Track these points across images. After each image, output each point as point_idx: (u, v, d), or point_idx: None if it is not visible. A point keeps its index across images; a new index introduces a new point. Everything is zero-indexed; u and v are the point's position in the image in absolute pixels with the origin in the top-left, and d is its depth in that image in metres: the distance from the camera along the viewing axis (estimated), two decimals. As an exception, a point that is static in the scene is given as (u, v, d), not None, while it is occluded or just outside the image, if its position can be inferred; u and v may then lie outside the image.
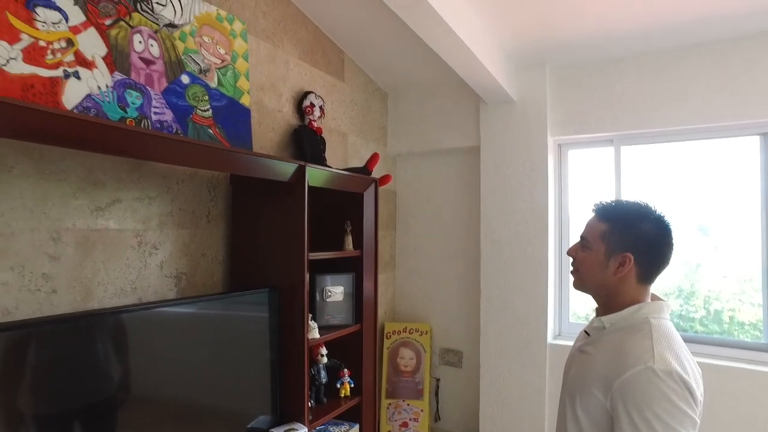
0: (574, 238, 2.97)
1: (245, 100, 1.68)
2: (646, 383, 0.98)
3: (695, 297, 2.71)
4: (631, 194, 2.70)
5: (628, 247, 1.13)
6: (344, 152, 2.91)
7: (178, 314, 1.64)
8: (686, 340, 1.10)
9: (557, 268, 2.88)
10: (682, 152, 2.66)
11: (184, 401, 1.65)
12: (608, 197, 1.25)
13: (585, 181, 2.90)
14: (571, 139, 2.83)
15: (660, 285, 2.78)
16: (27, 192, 1.41)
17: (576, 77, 2.74)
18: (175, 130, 1.44)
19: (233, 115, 1.63)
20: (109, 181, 1.61)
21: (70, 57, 1.19)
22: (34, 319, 1.37)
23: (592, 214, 1.22)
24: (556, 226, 2.87)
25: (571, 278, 1.26)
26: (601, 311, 1.21)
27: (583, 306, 2.93)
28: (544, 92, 2.79)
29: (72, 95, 1.18)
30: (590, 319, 1.32)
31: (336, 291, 2.19)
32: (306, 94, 2.48)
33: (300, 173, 1.84)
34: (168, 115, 1.41)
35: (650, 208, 1.18)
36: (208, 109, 1.54)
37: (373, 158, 2.40)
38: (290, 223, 1.86)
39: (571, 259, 1.25)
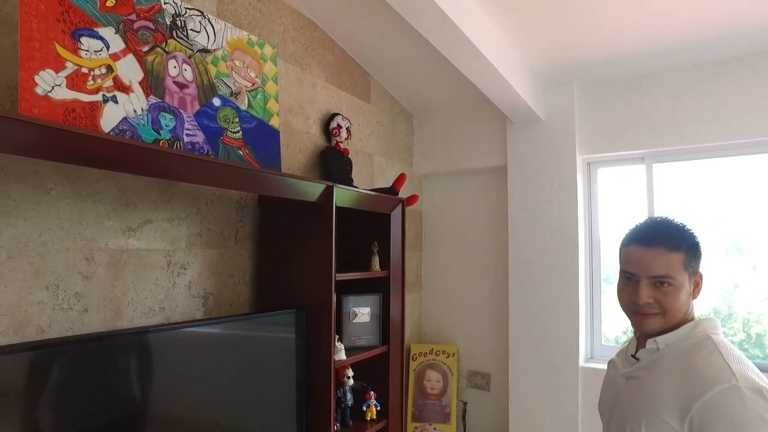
0: (607, 258, 2.94)
1: (274, 122, 1.71)
2: (735, 403, 0.90)
3: (733, 319, 2.61)
4: (663, 212, 2.63)
5: (698, 266, 1.11)
6: (371, 173, 2.92)
7: (205, 334, 1.65)
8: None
9: (588, 288, 2.81)
10: (717, 169, 2.59)
11: (209, 422, 1.64)
12: (638, 221, 1.18)
13: (616, 200, 2.84)
14: (600, 157, 2.78)
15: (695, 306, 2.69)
16: (64, 213, 1.44)
17: (604, 95, 2.71)
18: (206, 151, 1.46)
19: (263, 137, 1.65)
20: (141, 202, 1.64)
21: (109, 82, 1.23)
22: (67, 337, 1.38)
23: (650, 248, 1.08)
24: (586, 246, 2.81)
25: (644, 321, 1.11)
26: (654, 337, 1.12)
27: (614, 328, 2.85)
28: (572, 110, 2.76)
29: (109, 118, 1.22)
30: (628, 342, 1.26)
31: (363, 312, 2.17)
32: (333, 115, 2.51)
33: (328, 194, 1.84)
34: (200, 137, 1.44)
35: (676, 220, 1.14)
36: (238, 131, 1.57)
37: (400, 179, 2.40)
38: (318, 244, 1.86)
39: (640, 304, 1.10)
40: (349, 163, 2.51)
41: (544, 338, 2.75)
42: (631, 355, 1.16)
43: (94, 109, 1.19)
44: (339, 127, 2.50)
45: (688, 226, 1.12)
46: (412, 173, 3.37)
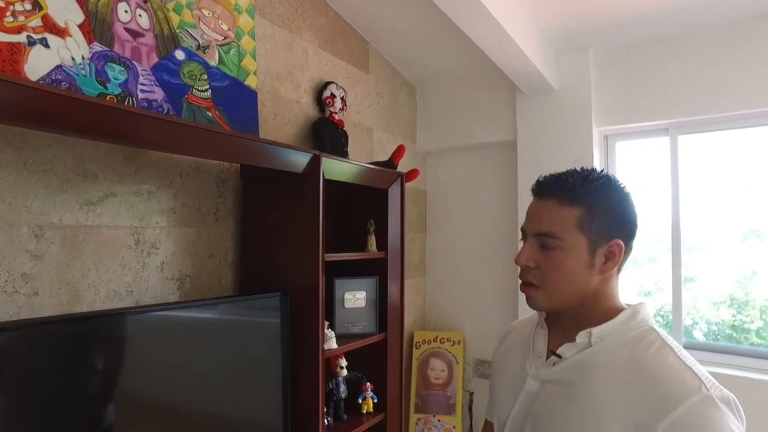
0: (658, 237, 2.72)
1: (251, 82, 1.51)
2: (711, 421, 0.71)
3: (750, 307, 2.40)
4: (689, 188, 2.41)
5: (614, 232, 0.85)
6: (370, 148, 2.71)
7: (180, 319, 1.47)
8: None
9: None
10: (750, 140, 2.34)
11: (186, 414, 1.47)
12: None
13: (635, 176, 2.61)
14: (619, 129, 2.55)
15: (708, 293, 2.46)
16: (6, 183, 1.26)
17: (624, 60, 2.47)
18: (166, 110, 1.27)
19: (237, 97, 1.46)
20: (102, 173, 1.46)
21: (36, 22, 1.04)
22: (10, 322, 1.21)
23: (543, 199, 0.88)
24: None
25: (526, 295, 0.90)
26: (571, 326, 0.88)
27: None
28: (587, 78, 2.53)
29: (37, 65, 1.03)
30: (532, 326, 0.99)
31: (358, 296, 1.99)
32: (326, 84, 2.30)
33: (315, 164, 1.65)
34: (158, 94, 1.25)
35: (600, 171, 0.90)
36: (206, 89, 1.37)
37: (399, 151, 2.19)
38: (304, 221, 1.67)
39: (518, 270, 0.91)
40: (345, 135, 2.31)
41: (557, 325, 2.55)
42: (551, 351, 0.90)
43: (15, 51, 1.00)
44: (333, 96, 2.29)
45: (606, 180, 0.87)
46: (416, 150, 3.16)
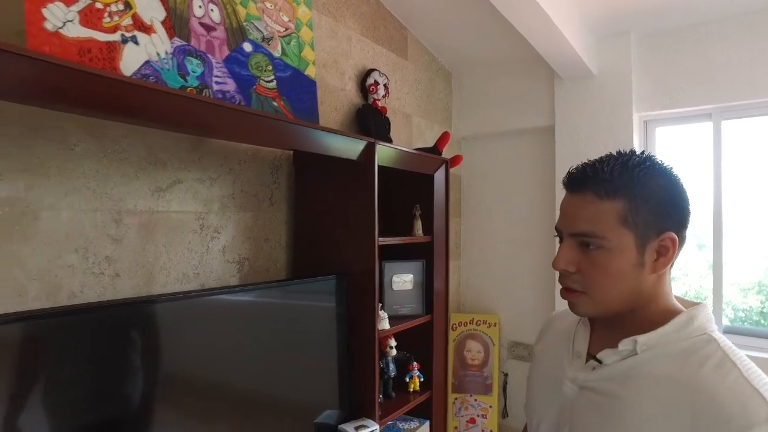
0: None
1: (310, 72, 1.56)
2: None
3: None
4: (732, 176, 2.40)
5: (664, 224, 0.74)
6: (409, 134, 2.75)
7: (241, 301, 1.55)
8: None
9: (643, 257, 2.61)
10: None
11: (247, 393, 1.56)
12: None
13: (675, 162, 2.61)
14: (659, 114, 2.55)
15: (737, 280, 2.45)
16: (89, 171, 1.34)
17: (667, 45, 2.46)
18: (238, 101, 1.33)
19: (298, 87, 1.51)
20: (170, 161, 1.53)
21: (127, 20, 1.10)
22: (99, 302, 1.29)
23: (577, 193, 0.77)
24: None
25: (569, 302, 0.80)
26: (617, 327, 0.79)
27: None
28: (628, 64, 2.52)
29: (130, 61, 1.09)
30: (575, 334, 0.87)
31: (405, 279, 2.05)
32: (370, 71, 2.34)
33: (369, 151, 1.70)
34: (230, 86, 1.30)
35: (641, 153, 0.78)
36: (272, 80, 1.43)
37: (444, 137, 2.23)
38: (359, 206, 1.73)
39: (557, 275, 0.81)
40: (388, 122, 2.35)
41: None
42: (590, 354, 0.81)
43: (112, 50, 1.06)
44: (376, 83, 2.33)
45: (650, 163, 0.76)
46: (452, 135, 3.18)
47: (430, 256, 2.11)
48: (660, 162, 0.78)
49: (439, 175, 2.16)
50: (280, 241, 1.91)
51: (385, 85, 2.37)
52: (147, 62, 1.12)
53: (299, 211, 1.92)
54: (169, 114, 1.14)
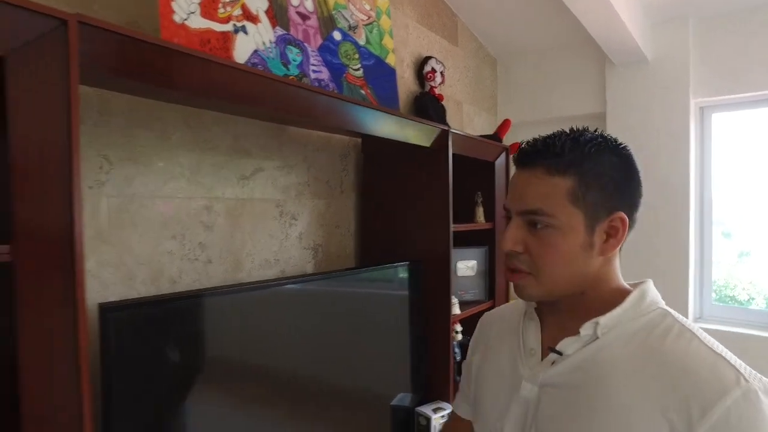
0: (720, 216, 2.69)
1: (390, 60, 1.57)
2: (761, 418, 0.60)
3: None
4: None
5: (614, 204, 0.72)
6: (460, 121, 2.76)
7: (318, 288, 1.58)
8: None
9: (698, 246, 2.60)
10: None
11: (324, 378, 1.59)
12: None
13: (732, 149, 2.58)
14: (717, 100, 2.52)
15: (766, 268, 2.40)
16: (185, 160, 1.37)
17: (727, 28, 2.42)
18: (332, 89, 1.35)
19: (381, 75, 1.52)
20: (253, 150, 1.56)
21: (238, 11, 1.12)
22: (206, 289, 1.32)
23: (527, 169, 0.73)
24: (697, 200, 2.58)
25: (514, 283, 0.77)
26: (568, 316, 0.75)
27: (723, 287, 2.65)
28: (686, 48, 2.49)
29: (242, 50, 1.11)
30: (517, 315, 0.84)
31: (469, 265, 2.07)
32: (426, 59, 2.35)
33: (443, 138, 1.71)
34: (325, 74, 1.32)
35: (594, 131, 0.75)
36: (359, 68, 1.44)
37: (504, 125, 2.24)
38: (431, 193, 1.75)
39: (504, 252, 0.76)
40: (444, 109, 2.36)
41: (648, 296, 2.58)
42: (549, 348, 0.75)
43: (226, 39, 1.09)
44: (433, 71, 2.34)
45: (602, 141, 0.72)
46: (497, 123, 3.18)
47: (492, 243, 2.13)
48: (613, 139, 0.74)
49: (499, 162, 2.16)
50: (349, 228, 1.93)
51: (441, 73, 2.38)
52: (255, 51, 1.14)
53: (367, 199, 1.94)
54: (281, 102, 1.16)
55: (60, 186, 0.73)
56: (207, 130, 1.42)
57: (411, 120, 1.53)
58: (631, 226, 0.73)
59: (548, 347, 0.75)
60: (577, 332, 0.71)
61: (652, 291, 0.74)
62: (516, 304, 0.88)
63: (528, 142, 0.75)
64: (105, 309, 0.90)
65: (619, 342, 0.70)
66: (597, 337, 0.71)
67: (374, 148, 1.89)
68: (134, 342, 0.98)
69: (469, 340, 2.07)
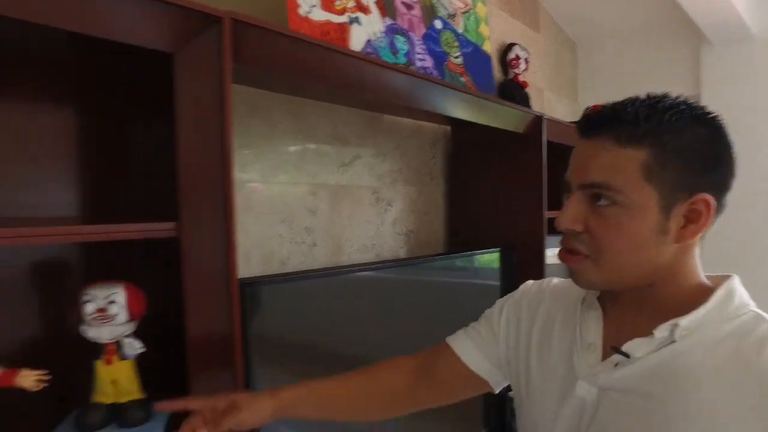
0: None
1: (487, 47, 1.58)
2: None
3: None
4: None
5: (698, 183, 0.61)
6: (541, 108, 2.70)
7: (411, 273, 1.61)
8: None
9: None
10: None
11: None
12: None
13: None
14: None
15: None
16: (291, 147, 1.45)
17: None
18: (436, 77, 1.38)
19: (478, 63, 1.54)
20: (351, 137, 1.61)
21: (351, 3, 1.17)
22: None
23: (594, 138, 0.64)
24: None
25: (570, 266, 0.67)
26: (636, 309, 0.67)
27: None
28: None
29: (356, 41, 1.16)
30: (581, 320, 0.72)
31: (554, 252, 2.04)
32: (510, 46, 2.32)
33: (537, 125, 1.70)
34: (429, 62, 1.35)
35: (676, 97, 0.64)
36: (458, 56, 1.46)
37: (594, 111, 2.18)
38: (524, 180, 1.74)
39: (560, 231, 0.67)
40: (528, 96, 2.33)
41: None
42: (613, 347, 0.65)
43: (343, 30, 1.14)
44: (518, 58, 2.31)
45: (684, 108, 0.62)
46: (577, 109, 3.10)
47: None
48: (700, 107, 0.63)
49: (589, 149, 2.11)
50: (439, 215, 1.96)
51: (525, 59, 2.34)
52: (368, 41, 1.19)
53: (455, 186, 1.96)
54: (390, 91, 1.20)
55: (216, 173, 0.80)
56: (308, 118, 1.48)
57: (511, 107, 1.54)
58: (718, 211, 0.62)
59: (611, 347, 0.66)
60: (647, 332, 0.62)
61: (740, 290, 0.64)
62: (572, 284, 0.74)
63: (594, 107, 0.66)
64: (244, 283, 0.97)
65: (700, 348, 0.60)
66: (673, 341, 0.61)
67: (463, 135, 1.90)
68: (264, 312, 1.06)
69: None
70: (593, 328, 0.70)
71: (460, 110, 1.39)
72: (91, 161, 0.93)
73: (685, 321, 0.60)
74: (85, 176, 0.92)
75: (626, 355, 0.63)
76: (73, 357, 0.72)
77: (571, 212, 0.64)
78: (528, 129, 1.71)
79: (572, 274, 0.67)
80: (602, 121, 0.64)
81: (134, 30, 0.74)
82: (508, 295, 0.91)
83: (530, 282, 0.90)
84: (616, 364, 0.65)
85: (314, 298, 1.27)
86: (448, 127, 1.94)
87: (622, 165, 0.61)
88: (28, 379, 0.69)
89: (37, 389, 0.70)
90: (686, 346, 0.61)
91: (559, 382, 0.71)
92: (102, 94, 0.93)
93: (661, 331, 0.61)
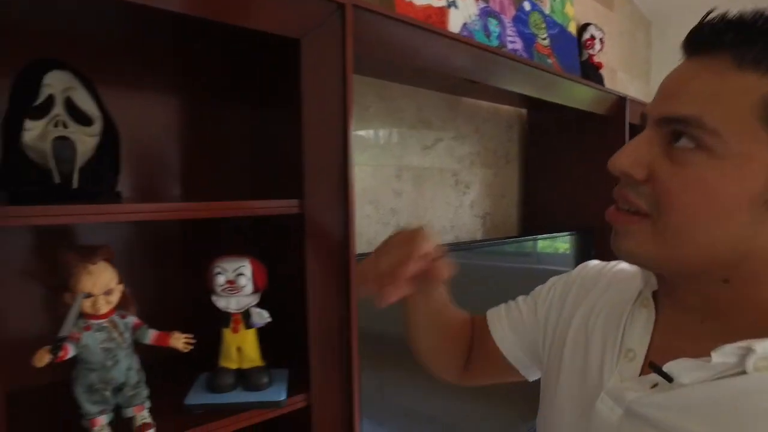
0: None
1: (572, 28, 1.56)
2: None
3: None
4: None
5: None
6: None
7: (488, 254, 1.63)
8: None
9: None
10: None
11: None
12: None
13: None
14: None
15: None
16: (379, 130, 1.48)
17: None
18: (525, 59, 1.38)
19: (564, 44, 1.52)
20: (434, 120, 1.64)
21: (448, -14, 1.18)
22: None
23: (700, 55, 0.47)
24: None
25: (614, 226, 0.53)
26: (700, 314, 0.50)
27: None
28: None
29: (454, 24, 1.18)
30: (628, 318, 0.57)
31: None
32: (585, 26, 2.26)
33: (620, 106, 1.68)
34: (518, 44, 1.36)
35: None
36: (546, 38, 1.46)
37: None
38: (603, 163, 1.71)
39: (615, 173, 0.52)
40: (602, 78, 2.28)
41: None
42: (652, 366, 0.49)
43: (442, 14, 1.15)
44: (593, 38, 2.24)
45: None
46: (650, 91, 3.00)
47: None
48: None
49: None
50: (513, 198, 1.97)
51: (600, 39, 2.29)
52: (464, 24, 1.20)
53: (531, 169, 1.95)
54: (488, 72, 1.21)
55: (336, 155, 0.85)
56: (394, 101, 1.51)
57: (597, 88, 1.53)
58: None
59: (649, 362, 0.49)
60: (705, 351, 0.44)
61: None
62: (636, 273, 0.60)
63: (709, 14, 0.47)
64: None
65: None
66: (743, 372, 0.43)
67: (540, 118, 1.89)
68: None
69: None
70: (638, 332, 0.54)
71: (550, 93, 1.38)
72: (198, 147, 1.00)
73: (762, 346, 0.42)
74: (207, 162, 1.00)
75: (668, 378, 0.46)
76: (194, 325, 0.79)
77: (634, 151, 0.48)
78: (610, 110, 1.69)
79: (616, 241, 0.51)
80: (719, 33, 0.45)
81: (267, 17, 0.78)
82: (566, 273, 0.78)
83: (594, 262, 0.76)
84: (655, 385, 0.49)
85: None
86: (524, 110, 1.94)
87: (730, 95, 0.43)
88: (180, 341, 0.76)
89: (186, 350, 0.77)
90: (762, 383, 0.42)
91: (587, 389, 0.56)
92: (230, 83, 1.00)
93: (724, 355, 0.43)
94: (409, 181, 1.57)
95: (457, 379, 0.85)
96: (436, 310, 0.80)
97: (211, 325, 0.85)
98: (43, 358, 0.61)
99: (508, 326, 0.78)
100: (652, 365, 0.49)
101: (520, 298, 0.83)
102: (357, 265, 0.84)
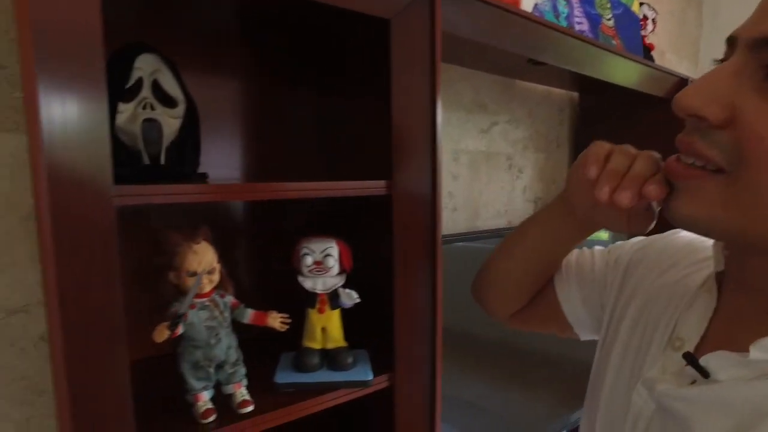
0: None
1: (635, 8, 1.52)
2: None
3: None
4: None
5: None
6: (663, 72, 2.58)
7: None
8: None
9: None
10: None
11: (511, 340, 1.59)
12: None
13: None
14: None
15: None
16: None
17: None
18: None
19: (628, 24, 1.49)
20: (489, 104, 1.62)
21: (520, -34, 1.16)
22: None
23: None
24: None
25: (677, 180, 0.43)
26: (761, 300, 0.42)
27: None
28: None
29: (526, 4, 1.16)
30: (689, 303, 0.49)
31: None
32: (639, 5, 2.21)
33: (679, 88, 1.63)
34: (585, 25, 1.33)
35: None
36: (610, 18, 1.43)
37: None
38: (659, 145, 1.68)
39: (680, 113, 0.41)
40: (653, 60, 2.22)
41: None
42: (687, 357, 0.43)
43: (515, -4, 1.14)
44: (645, 18, 2.19)
45: None
46: (698, 73, 2.92)
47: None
48: None
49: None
50: (563, 183, 1.94)
51: (653, 20, 2.22)
52: (535, 5, 1.18)
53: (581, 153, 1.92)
54: (560, 54, 1.20)
55: (424, 137, 0.85)
56: (453, 85, 1.50)
57: (663, 70, 1.50)
58: None
59: (685, 353, 0.43)
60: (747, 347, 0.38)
61: None
62: (711, 250, 0.50)
63: None
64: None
65: None
66: None
67: (591, 101, 1.86)
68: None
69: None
70: (693, 319, 0.47)
71: (613, 75, 1.36)
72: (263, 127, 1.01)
73: None
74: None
75: (704, 373, 0.41)
76: (270, 306, 0.80)
77: (710, 84, 0.38)
78: (669, 93, 1.65)
79: (672, 197, 0.42)
80: None
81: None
82: (656, 235, 0.66)
83: (684, 232, 0.63)
84: (694, 381, 0.43)
85: (455, 261, 1.32)
86: (576, 93, 1.90)
87: None
88: (277, 320, 0.78)
89: (283, 329, 0.78)
90: None
91: (633, 376, 0.51)
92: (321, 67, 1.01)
93: (762, 350, 0.37)
94: (466, 164, 1.56)
95: (507, 319, 0.79)
96: (560, 243, 0.68)
97: (286, 305, 0.86)
98: (162, 334, 0.64)
99: (575, 276, 0.70)
100: (686, 356, 0.42)
101: (597, 251, 0.73)
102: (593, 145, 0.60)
